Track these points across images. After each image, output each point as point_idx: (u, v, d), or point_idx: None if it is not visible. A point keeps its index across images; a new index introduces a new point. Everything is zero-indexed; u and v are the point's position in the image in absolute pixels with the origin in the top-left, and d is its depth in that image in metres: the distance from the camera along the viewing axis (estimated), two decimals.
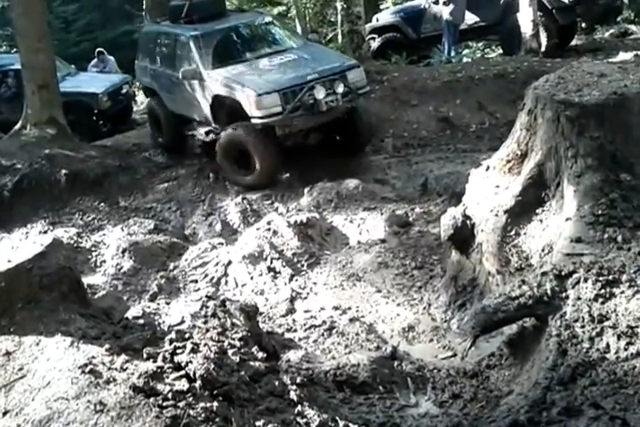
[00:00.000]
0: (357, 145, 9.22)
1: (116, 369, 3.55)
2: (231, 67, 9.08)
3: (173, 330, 3.96)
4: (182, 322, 4.87)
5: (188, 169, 9.64)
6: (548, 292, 3.69)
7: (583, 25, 14.32)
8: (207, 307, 5.08)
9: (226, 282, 6.06)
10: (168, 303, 5.73)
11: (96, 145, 10.69)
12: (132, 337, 4.05)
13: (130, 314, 4.90)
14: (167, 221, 8.06)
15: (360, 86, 8.76)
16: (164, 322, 5.03)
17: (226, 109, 8.94)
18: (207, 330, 3.83)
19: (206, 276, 6.20)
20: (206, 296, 5.52)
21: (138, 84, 17.44)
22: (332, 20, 17.52)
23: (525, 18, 11.89)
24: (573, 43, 13.77)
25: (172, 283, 6.26)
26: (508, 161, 4.65)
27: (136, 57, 11.07)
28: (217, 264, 6.25)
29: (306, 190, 8.08)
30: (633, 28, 13.87)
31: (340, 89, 8.47)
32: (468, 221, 4.76)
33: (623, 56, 11.70)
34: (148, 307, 5.56)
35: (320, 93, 8.35)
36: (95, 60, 14.64)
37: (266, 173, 8.50)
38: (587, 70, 4.55)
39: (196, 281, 6.20)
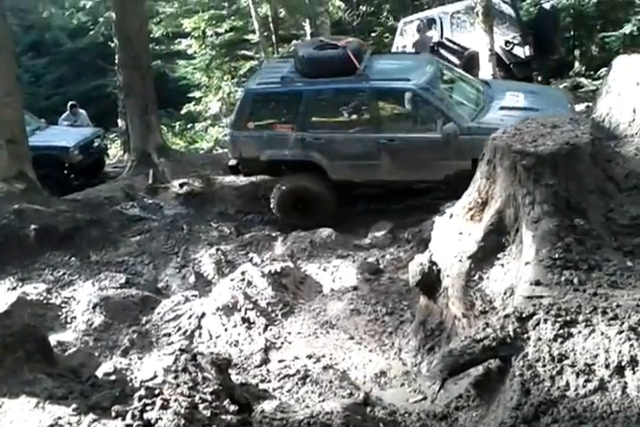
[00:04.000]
0: None
1: None
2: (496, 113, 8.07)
3: (143, 386, 3.96)
4: (155, 377, 4.92)
5: (161, 221, 9.67)
6: (511, 333, 3.82)
7: (539, 78, 14.89)
8: (180, 361, 5.14)
9: (199, 335, 6.08)
10: (140, 358, 5.80)
11: (67, 199, 10.54)
12: (100, 395, 4.03)
13: (100, 371, 4.91)
14: (139, 275, 8.02)
15: None
16: (136, 378, 5.06)
17: None
18: (177, 385, 3.82)
19: (179, 329, 6.21)
20: (179, 350, 5.53)
21: (113, 137, 17.59)
22: None
23: (485, 72, 12.34)
24: None
25: (144, 337, 6.25)
26: (470, 209, 4.85)
27: (235, 126, 9.06)
28: (190, 317, 6.28)
29: (280, 240, 8.21)
30: (584, 81, 14.41)
31: None
32: (434, 267, 4.93)
33: (576, 108, 12.14)
34: (120, 363, 5.60)
35: None
36: (67, 113, 14.68)
37: None
38: (541, 122, 4.81)
39: (169, 335, 6.21)
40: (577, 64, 15.15)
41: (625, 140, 5.67)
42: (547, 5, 13.56)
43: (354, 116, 8.77)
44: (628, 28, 12.93)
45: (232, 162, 9.35)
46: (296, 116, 8.82)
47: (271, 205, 9.06)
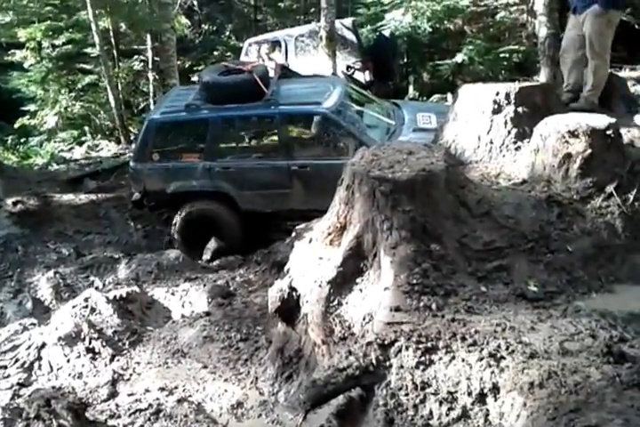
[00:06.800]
0: None
1: None
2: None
3: None
4: None
5: None
6: (373, 361, 3.79)
7: None
8: (19, 396, 4.70)
9: (39, 366, 5.58)
10: None
11: None
12: None
13: None
14: None
15: None
16: None
17: None
18: None
19: (17, 361, 5.66)
20: (17, 384, 5.14)
21: None
22: (145, 90, 17.47)
23: None
24: None
25: None
26: (329, 233, 4.82)
27: (138, 158, 8.68)
28: (29, 347, 5.74)
29: (123, 262, 7.84)
30: None
31: None
32: (294, 293, 4.84)
33: None
34: None
35: None
36: None
37: None
38: (396, 148, 4.89)
39: (6, 367, 5.64)
40: (411, 89, 15.84)
41: (470, 166, 5.90)
42: (386, 32, 14.08)
43: (263, 143, 8.62)
44: (459, 58, 13.72)
45: (136, 196, 8.80)
46: (203, 145, 8.49)
47: (171, 232, 8.61)
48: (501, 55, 13.42)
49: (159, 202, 8.82)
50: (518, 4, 13.05)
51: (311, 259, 4.85)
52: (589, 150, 5.10)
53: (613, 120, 5.26)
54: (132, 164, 8.96)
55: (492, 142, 6.03)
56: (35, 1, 16.53)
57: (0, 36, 17.25)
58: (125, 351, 5.70)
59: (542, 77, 8.70)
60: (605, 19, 6.60)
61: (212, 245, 8.26)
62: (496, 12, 13.67)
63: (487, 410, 3.42)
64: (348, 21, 14.03)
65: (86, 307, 6.11)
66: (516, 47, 13.34)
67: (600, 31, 6.62)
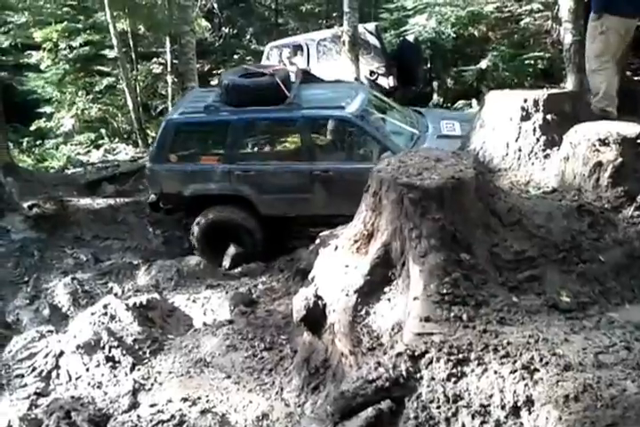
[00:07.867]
0: None
1: None
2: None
3: None
4: (9, 426, 4.41)
5: (9, 247, 8.91)
6: (404, 373, 3.69)
7: None
8: (37, 406, 4.62)
9: (57, 375, 5.49)
10: None
11: None
12: None
13: None
14: None
15: None
16: None
17: None
18: None
19: (34, 369, 5.58)
20: (35, 393, 5.06)
21: None
22: (163, 93, 17.46)
23: None
24: None
25: None
26: (356, 241, 4.71)
27: (156, 159, 8.58)
28: (47, 355, 5.66)
29: (143, 268, 7.78)
30: None
31: None
32: (319, 302, 4.73)
33: None
34: None
35: None
36: None
37: None
38: (424, 155, 4.78)
39: (23, 376, 5.57)
40: (435, 96, 15.73)
41: (499, 173, 5.80)
42: (410, 38, 13.97)
43: (285, 147, 8.54)
44: (484, 64, 13.57)
45: (152, 198, 8.73)
46: (223, 147, 8.41)
47: (191, 240, 8.51)
48: (526, 62, 13.23)
49: (176, 205, 8.72)
50: (543, 11, 12.85)
51: (337, 267, 4.74)
52: (620, 159, 4.98)
53: None
54: (148, 165, 8.90)
55: (520, 150, 5.91)
56: (51, 2, 16.54)
57: (16, 36, 17.26)
58: (146, 360, 5.60)
59: (568, 84, 8.54)
60: (598, 23, 6.19)
61: (230, 251, 8.19)
62: (520, 18, 13.48)
63: (521, 424, 3.31)
64: (372, 26, 13.96)
65: (105, 314, 6.04)
66: (541, 54, 13.15)
67: (591, 35, 6.27)
